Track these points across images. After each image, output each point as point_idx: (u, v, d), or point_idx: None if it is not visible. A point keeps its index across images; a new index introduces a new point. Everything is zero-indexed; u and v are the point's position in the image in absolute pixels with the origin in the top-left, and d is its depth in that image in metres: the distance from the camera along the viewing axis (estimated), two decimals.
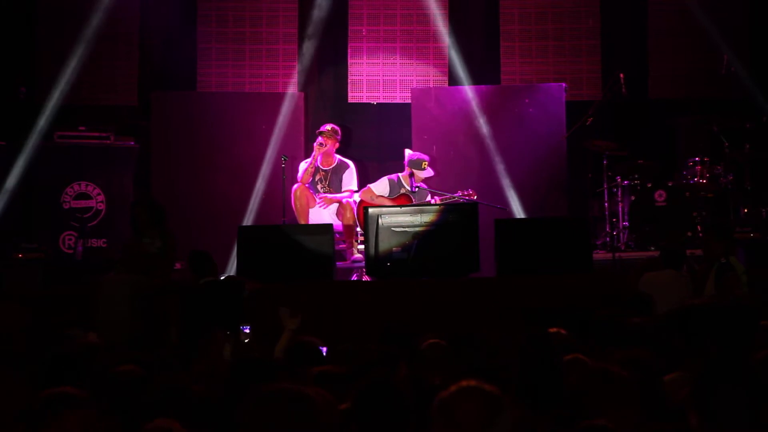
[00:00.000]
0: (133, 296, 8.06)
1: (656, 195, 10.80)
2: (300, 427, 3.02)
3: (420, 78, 12.17)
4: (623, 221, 10.79)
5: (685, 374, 4.46)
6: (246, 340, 6.92)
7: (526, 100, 11.59)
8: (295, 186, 10.54)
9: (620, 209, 10.82)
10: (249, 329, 7.06)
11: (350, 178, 10.67)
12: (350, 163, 10.76)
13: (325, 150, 10.56)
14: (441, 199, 10.40)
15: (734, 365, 3.39)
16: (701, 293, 7.55)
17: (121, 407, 4.15)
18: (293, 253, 9.06)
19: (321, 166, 10.66)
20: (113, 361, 5.04)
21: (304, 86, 12.12)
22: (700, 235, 10.07)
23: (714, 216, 10.64)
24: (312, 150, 10.71)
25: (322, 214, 10.47)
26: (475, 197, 10.31)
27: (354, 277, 10.06)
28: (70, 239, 10.83)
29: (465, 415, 2.91)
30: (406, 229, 9.09)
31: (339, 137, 10.69)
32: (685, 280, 7.84)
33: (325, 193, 10.58)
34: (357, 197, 10.52)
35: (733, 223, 10.64)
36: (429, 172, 10.54)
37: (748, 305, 4.90)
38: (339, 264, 9.79)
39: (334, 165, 10.69)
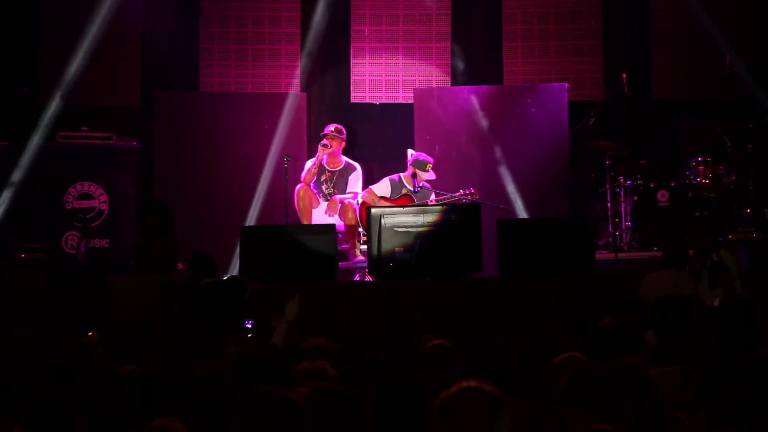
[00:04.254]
0: (163, 296, 8.01)
1: (659, 195, 10.78)
2: (283, 430, 3.08)
3: (422, 78, 12.16)
4: (626, 221, 10.77)
5: (667, 369, 4.48)
6: (249, 335, 6.92)
7: (529, 101, 11.59)
8: (298, 186, 10.55)
9: (623, 209, 10.81)
10: (252, 324, 7.05)
11: (356, 181, 10.68)
12: (357, 165, 10.76)
13: (330, 151, 10.58)
14: (439, 199, 10.39)
15: (739, 364, 3.40)
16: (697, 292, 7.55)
17: (122, 407, 4.15)
18: (296, 253, 9.06)
19: (327, 167, 10.67)
20: (115, 361, 5.06)
21: (307, 86, 12.12)
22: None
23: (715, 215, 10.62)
24: (315, 150, 10.72)
25: (324, 214, 10.48)
26: (477, 196, 10.31)
27: (357, 278, 10.06)
28: (72, 239, 10.84)
29: (465, 416, 2.93)
30: (409, 229, 9.09)
31: (344, 137, 10.69)
32: (688, 280, 7.83)
33: (328, 193, 10.59)
34: (360, 199, 10.52)
35: (735, 223, 10.63)
36: (431, 175, 10.54)
37: (749, 302, 4.91)
38: (341, 264, 9.79)
39: (341, 167, 10.69)
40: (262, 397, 3.15)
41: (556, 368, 4.56)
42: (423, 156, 10.60)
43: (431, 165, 10.54)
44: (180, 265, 9.41)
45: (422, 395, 3.57)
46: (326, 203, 10.57)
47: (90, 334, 6.70)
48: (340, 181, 10.66)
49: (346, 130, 10.95)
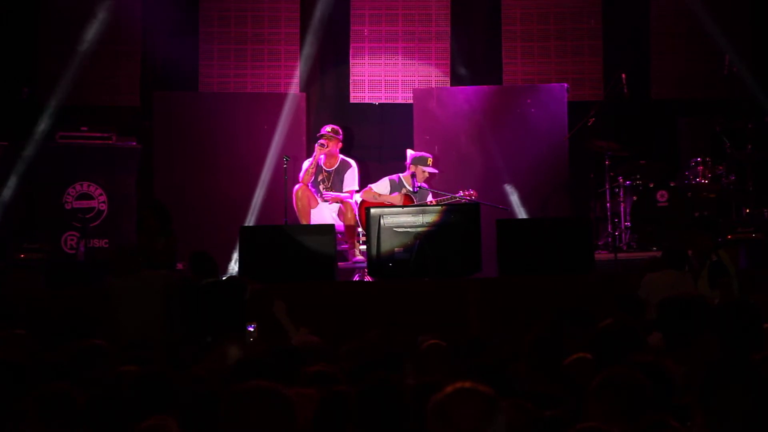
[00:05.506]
0: (164, 296, 8.00)
1: (658, 195, 10.79)
2: (274, 425, 3.07)
3: (422, 78, 12.16)
4: (625, 221, 10.78)
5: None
6: (251, 339, 6.93)
7: (528, 101, 11.60)
8: (297, 186, 10.55)
9: (622, 209, 10.81)
10: (254, 327, 7.07)
11: (352, 178, 10.68)
12: (352, 162, 10.77)
13: (327, 151, 10.58)
14: (439, 199, 10.39)
15: (738, 365, 3.40)
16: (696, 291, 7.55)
17: (122, 407, 4.16)
18: (295, 253, 9.07)
19: (324, 167, 10.68)
20: (115, 361, 5.06)
21: (306, 87, 12.12)
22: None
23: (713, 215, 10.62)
24: (313, 150, 10.73)
25: (323, 214, 10.48)
26: (476, 197, 10.32)
27: (356, 278, 10.07)
28: (72, 239, 10.83)
29: (460, 417, 2.92)
30: (408, 229, 9.09)
31: (341, 137, 10.71)
32: (688, 280, 7.84)
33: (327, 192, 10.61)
34: (358, 197, 10.52)
35: (734, 223, 10.64)
36: (433, 170, 10.54)
37: (749, 304, 4.91)
38: (341, 264, 9.79)
39: (336, 165, 10.70)
40: (252, 391, 3.14)
41: (567, 369, 4.57)
42: (421, 153, 10.64)
43: (431, 159, 10.56)
44: (179, 265, 9.41)
45: (406, 397, 3.57)
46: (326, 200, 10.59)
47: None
48: (336, 180, 10.67)
49: (346, 131, 10.96)
